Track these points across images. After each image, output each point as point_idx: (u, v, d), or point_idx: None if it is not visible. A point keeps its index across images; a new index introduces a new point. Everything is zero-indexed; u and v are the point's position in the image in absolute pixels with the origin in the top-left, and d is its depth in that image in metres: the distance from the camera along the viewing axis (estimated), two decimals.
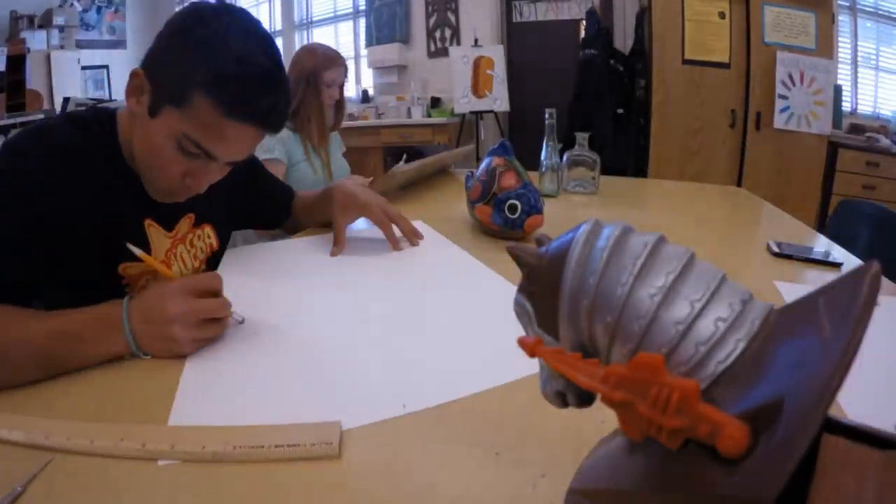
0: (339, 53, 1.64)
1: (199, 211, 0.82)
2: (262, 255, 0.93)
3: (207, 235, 0.86)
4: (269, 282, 0.81)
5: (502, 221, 0.93)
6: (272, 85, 0.63)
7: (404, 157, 1.55)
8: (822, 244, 0.96)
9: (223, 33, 0.60)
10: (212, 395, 0.50)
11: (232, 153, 0.66)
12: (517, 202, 0.92)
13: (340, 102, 1.69)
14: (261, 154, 1.49)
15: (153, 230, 0.75)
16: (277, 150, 1.49)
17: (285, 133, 1.52)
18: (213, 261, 0.87)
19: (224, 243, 0.91)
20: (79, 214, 0.65)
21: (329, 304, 0.71)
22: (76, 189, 0.65)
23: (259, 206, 1.01)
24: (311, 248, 0.94)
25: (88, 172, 0.66)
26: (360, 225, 1.00)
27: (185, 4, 0.68)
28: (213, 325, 0.57)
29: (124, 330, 0.54)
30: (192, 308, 0.55)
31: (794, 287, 0.76)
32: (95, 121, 0.70)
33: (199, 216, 0.83)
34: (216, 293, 0.58)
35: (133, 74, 0.64)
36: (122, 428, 0.44)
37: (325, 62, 1.55)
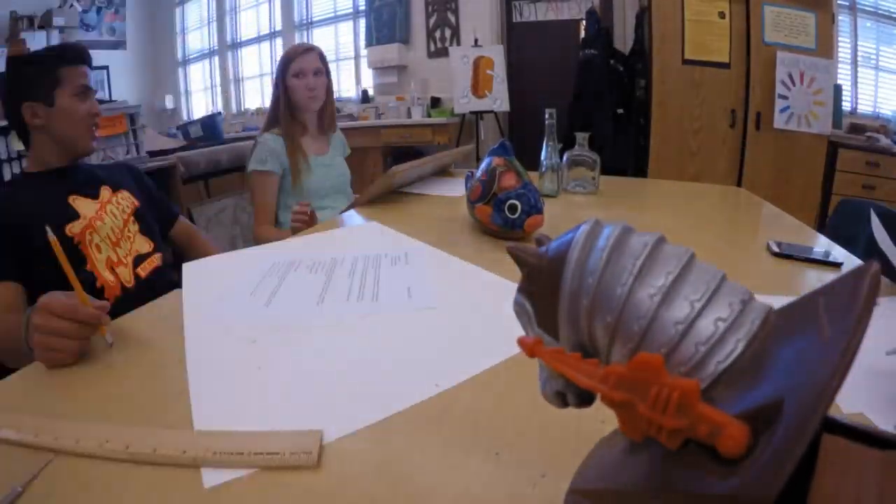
0: (307, 45, 1.59)
1: (113, 182, 1.13)
2: (242, 261, 0.94)
3: (126, 197, 1.14)
4: (254, 288, 0.81)
5: (502, 221, 0.93)
6: (65, 45, 1.19)
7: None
8: (821, 244, 0.96)
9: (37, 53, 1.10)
10: (222, 399, 0.50)
11: (86, 79, 1.07)
12: (517, 202, 0.92)
13: (328, 96, 1.60)
14: (255, 165, 1.49)
15: (79, 201, 1.04)
16: (270, 161, 1.49)
17: (277, 144, 1.51)
18: (138, 215, 1.13)
19: (145, 207, 1.17)
20: (25, 221, 0.93)
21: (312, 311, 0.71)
22: (9, 205, 0.97)
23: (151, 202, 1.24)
24: (292, 252, 0.94)
25: (14, 193, 1.02)
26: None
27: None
28: (64, 342, 0.57)
29: (24, 343, 0.60)
30: (45, 323, 0.57)
31: (793, 287, 0.76)
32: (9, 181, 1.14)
33: (114, 185, 1.13)
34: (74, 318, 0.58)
35: (23, 110, 1.01)
36: (107, 429, 0.43)
37: (289, 55, 1.54)
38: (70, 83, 1.02)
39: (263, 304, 0.70)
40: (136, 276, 1.06)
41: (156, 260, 1.12)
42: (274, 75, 1.58)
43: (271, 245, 1.00)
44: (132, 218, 1.12)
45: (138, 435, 0.43)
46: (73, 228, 0.99)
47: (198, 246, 1.28)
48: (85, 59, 1.06)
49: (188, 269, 0.85)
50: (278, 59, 1.61)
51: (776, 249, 0.88)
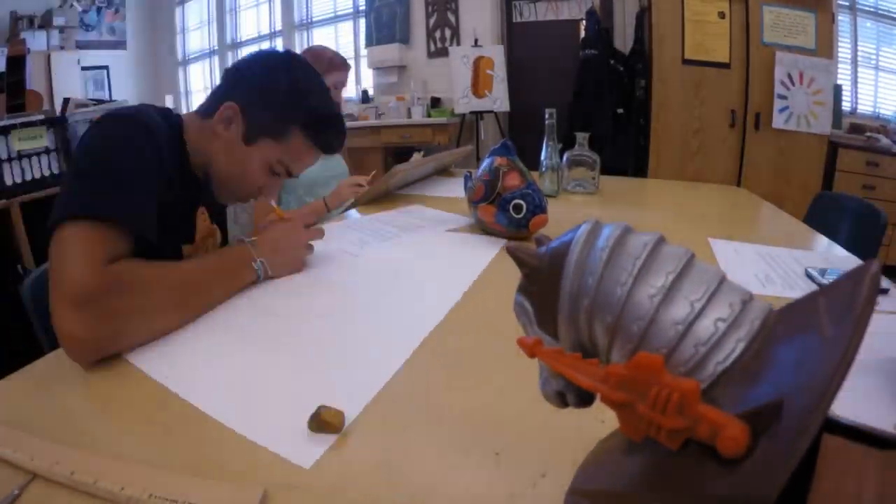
0: (344, 58, 1.63)
1: (212, 210, 0.91)
2: None
3: (216, 231, 0.96)
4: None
5: (507, 221, 0.93)
6: (342, 124, 0.84)
7: (421, 152, 1.54)
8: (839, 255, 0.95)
9: (305, 80, 0.78)
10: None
11: (303, 170, 0.84)
12: (522, 202, 0.92)
13: (338, 104, 1.69)
14: None
15: (202, 217, 0.86)
16: None
17: None
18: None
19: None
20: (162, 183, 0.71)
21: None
22: (163, 164, 0.72)
23: None
24: None
25: (167, 156, 0.73)
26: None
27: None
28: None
29: (255, 263, 0.76)
30: (308, 235, 0.86)
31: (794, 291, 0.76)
32: (169, 120, 0.77)
33: (211, 215, 0.91)
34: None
35: (227, 107, 0.75)
36: (59, 452, 0.42)
37: (330, 66, 1.55)
38: (282, 152, 0.78)
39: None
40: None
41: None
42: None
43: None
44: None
45: (82, 462, 0.41)
46: (187, 250, 0.84)
47: None
48: (328, 149, 0.83)
49: None
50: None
51: (821, 280, 0.79)
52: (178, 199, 0.77)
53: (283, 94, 0.76)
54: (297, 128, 0.77)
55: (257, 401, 0.50)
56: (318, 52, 1.61)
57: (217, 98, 0.77)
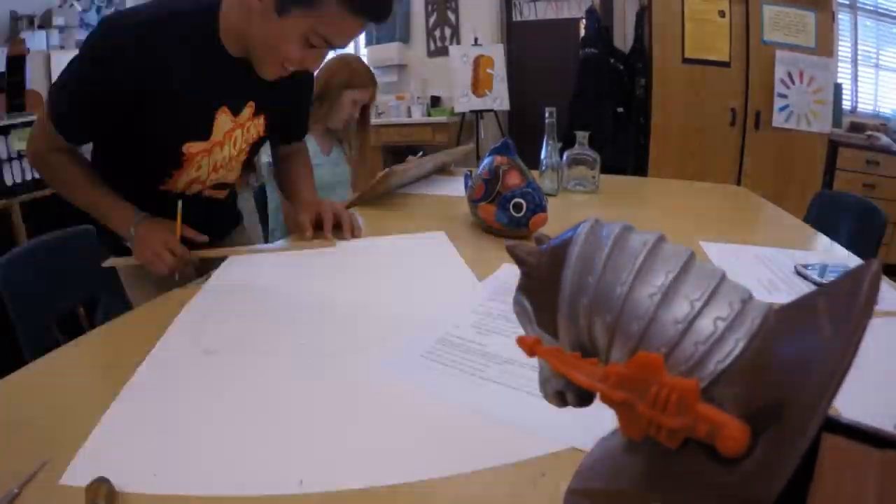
0: (373, 75, 1.59)
1: (261, 101, 0.92)
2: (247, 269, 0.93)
3: (259, 124, 0.96)
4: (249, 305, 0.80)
5: (507, 220, 0.93)
6: None
7: (420, 154, 1.53)
8: (839, 256, 0.95)
9: None
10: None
11: (346, 41, 0.79)
12: (522, 201, 0.92)
13: (364, 122, 1.65)
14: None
15: (222, 117, 0.88)
16: None
17: None
18: (257, 145, 1.00)
19: (270, 132, 1.01)
20: (160, 82, 0.78)
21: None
22: (161, 62, 0.77)
23: (286, 118, 1.05)
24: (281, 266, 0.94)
25: (176, 50, 0.77)
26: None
27: None
28: (163, 262, 0.84)
29: (130, 233, 0.87)
30: (161, 250, 0.85)
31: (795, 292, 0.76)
32: (196, 10, 0.80)
33: (259, 106, 0.93)
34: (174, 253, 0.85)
35: None
36: None
37: (357, 81, 1.52)
38: (316, 22, 0.73)
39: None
40: (198, 193, 0.98)
41: (223, 194, 1.04)
42: (323, 75, 1.52)
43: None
44: (247, 149, 0.98)
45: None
46: (191, 148, 0.87)
47: (288, 177, 1.14)
48: (368, 14, 0.75)
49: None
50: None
51: (817, 278, 0.78)
52: (193, 96, 0.82)
53: None
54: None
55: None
56: (347, 61, 1.56)
57: None
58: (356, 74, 1.53)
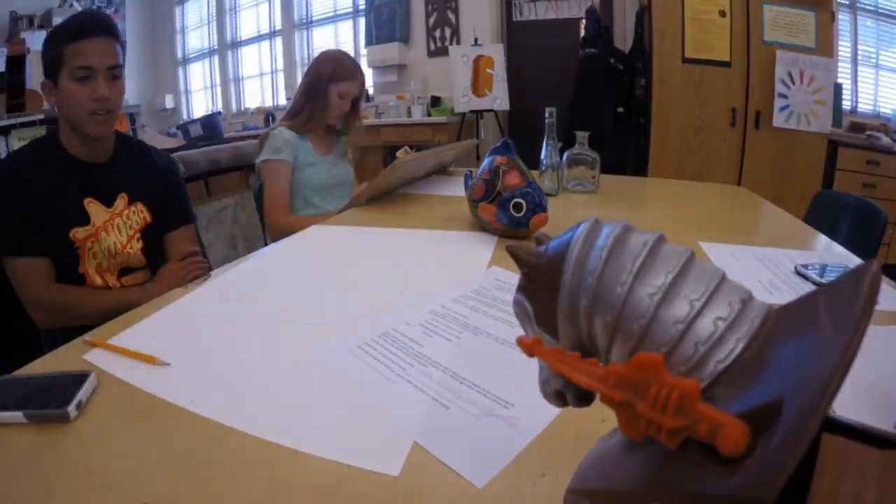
0: (357, 67, 1.59)
1: (132, 190, 1.09)
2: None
3: (141, 211, 1.10)
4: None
5: (507, 220, 0.93)
6: (80, 14, 1.01)
7: (415, 148, 1.54)
8: (838, 254, 0.95)
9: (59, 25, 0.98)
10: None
11: (98, 59, 0.96)
12: (522, 201, 0.92)
13: (355, 113, 1.65)
14: (269, 155, 1.48)
15: (93, 206, 1.03)
16: (285, 151, 1.48)
17: (293, 136, 1.51)
18: (147, 232, 1.11)
19: (160, 222, 1.14)
20: (36, 203, 0.96)
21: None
22: (31, 187, 0.97)
23: (166, 209, 1.17)
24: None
25: (39, 173, 0.98)
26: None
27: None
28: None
29: (148, 294, 0.94)
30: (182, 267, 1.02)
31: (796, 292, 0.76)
32: (46, 136, 1.07)
33: (132, 195, 1.09)
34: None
35: (42, 86, 0.98)
36: None
37: (340, 73, 1.54)
38: (69, 64, 0.94)
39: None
40: (120, 283, 1.08)
41: (141, 276, 1.11)
42: (311, 74, 1.56)
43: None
44: (138, 234, 1.09)
45: None
46: (77, 234, 1.01)
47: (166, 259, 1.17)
48: (92, 32, 0.95)
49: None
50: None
51: (817, 278, 0.78)
52: (63, 187, 0.99)
53: (44, 46, 0.97)
54: (61, 48, 0.94)
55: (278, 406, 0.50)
56: (330, 56, 1.59)
57: None
58: (340, 66, 1.54)
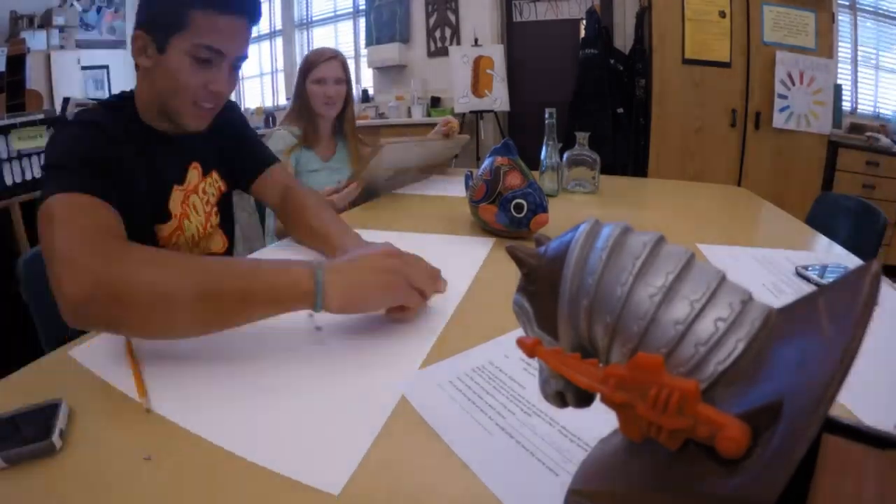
0: (330, 51, 1.56)
1: (203, 159, 0.92)
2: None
3: (216, 181, 0.96)
4: None
5: (508, 221, 0.93)
6: None
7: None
8: (838, 254, 0.95)
9: None
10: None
11: (233, 45, 0.78)
12: (523, 201, 0.92)
13: (347, 104, 1.60)
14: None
15: (173, 195, 0.86)
16: (284, 153, 1.48)
17: (291, 139, 1.50)
18: (223, 202, 0.98)
19: (231, 187, 1.00)
20: (120, 175, 0.72)
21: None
22: (115, 156, 0.73)
23: (240, 156, 1.01)
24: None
25: (121, 143, 0.76)
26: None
27: None
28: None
29: (315, 286, 0.57)
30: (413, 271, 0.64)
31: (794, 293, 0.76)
32: (120, 100, 0.83)
33: (205, 164, 0.93)
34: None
35: (135, 37, 0.77)
36: None
37: (311, 63, 1.53)
38: (196, 36, 0.74)
39: None
40: None
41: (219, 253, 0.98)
42: (297, 73, 1.58)
43: None
44: (215, 209, 0.96)
45: None
46: (162, 231, 0.86)
47: (296, 209, 0.96)
48: (236, 9, 0.75)
49: None
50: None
51: (817, 279, 0.77)
52: (144, 179, 0.80)
53: None
54: (192, 8, 0.73)
55: (262, 425, 0.46)
56: (305, 55, 1.60)
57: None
58: (311, 57, 1.55)
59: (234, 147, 0.99)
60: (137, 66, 0.80)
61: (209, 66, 0.77)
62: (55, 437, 0.42)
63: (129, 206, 0.68)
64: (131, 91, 0.84)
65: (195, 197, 0.90)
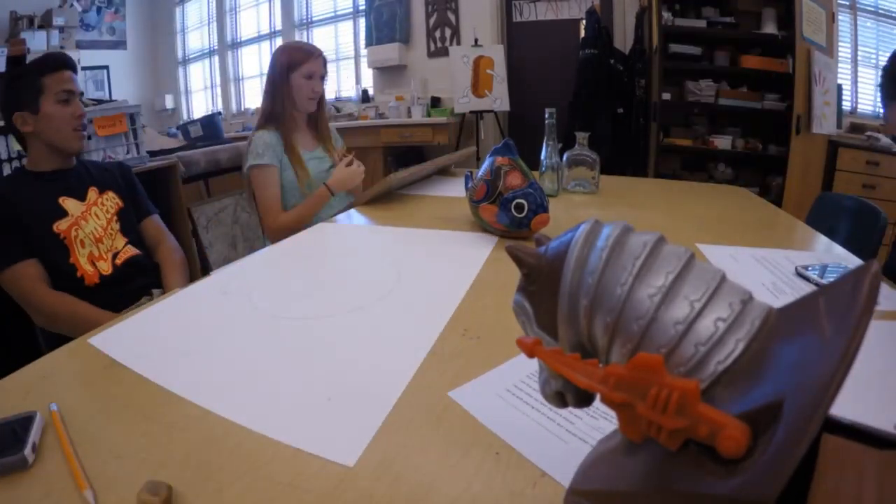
0: (313, 47, 1.57)
1: (101, 183, 1.25)
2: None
3: (112, 197, 1.26)
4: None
5: (509, 221, 0.93)
6: (51, 53, 1.13)
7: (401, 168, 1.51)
8: (838, 255, 0.95)
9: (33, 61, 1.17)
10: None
11: (74, 85, 1.17)
12: (524, 201, 0.92)
13: (323, 97, 1.60)
14: (253, 160, 1.46)
15: (68, 202, 1.17)
16: (267, 155, 1.46)
17: (272, 139, 1.49)
18: (122, 214, 1.26)
19: (129, 206, 1.30)
20: (15, 213, 1.08)
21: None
22: (7, 201, 1.09)
23: (131, 193, 1.35)
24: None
25: (14, 190, 1.13)
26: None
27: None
28: None
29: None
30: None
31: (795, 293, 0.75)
32: (12, 173, 1.33)
33: (101, 186, 1.25)
34: None
35: (14, 120, 1.12)
36: None
37: (297, 58, 1.51)
38: (52, 90, 1.12)
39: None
40: (114, 265, 1.19)
41: (130, 250, 1.24)
42: (271, 71, 1.54)
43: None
44: (115, 217, 1.24)
45: None
46: (60, 226, 1.13)
47: (161, 251, 1.32)
48: (66, 65, 1.16)
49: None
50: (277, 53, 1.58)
51: (817, 279, 0.77)
52: (38, 194, 1.13)
53: (15, 82, 1.14)
54: (41, 77, 1.11)
55: (273, 400, 0.50)
56: (283, 47, 1.57)
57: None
58: (295, 52, 1.53)
59: (125, 182, 1.33)
60: (22, 139, 1.16)
61: (69, 103, 1.14)
62: (27, 451, 0.41)
63: (27, 217, 1.09)
64: (20, 167, 1.21)
65: (95, 208, 1.21)
